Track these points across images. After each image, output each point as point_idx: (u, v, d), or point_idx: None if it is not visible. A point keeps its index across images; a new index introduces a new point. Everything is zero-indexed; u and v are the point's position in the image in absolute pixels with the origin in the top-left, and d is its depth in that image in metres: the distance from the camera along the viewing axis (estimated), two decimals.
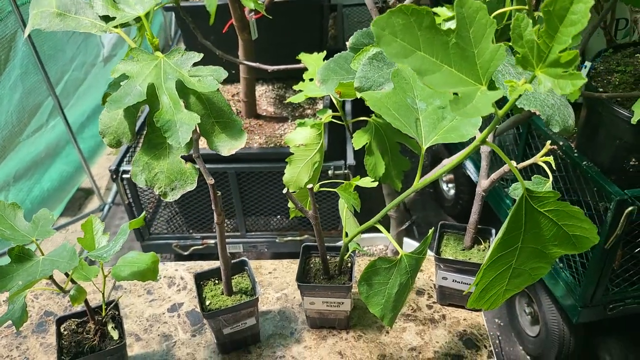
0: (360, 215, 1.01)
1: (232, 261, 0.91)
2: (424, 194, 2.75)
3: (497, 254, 0.53)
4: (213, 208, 0.76)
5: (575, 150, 1.41)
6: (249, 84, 1.82)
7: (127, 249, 2.52)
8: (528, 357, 1.91)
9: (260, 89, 2.08)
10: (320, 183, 0.94)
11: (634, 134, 1.19)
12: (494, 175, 0.87)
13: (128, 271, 0.79)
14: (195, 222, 1.92)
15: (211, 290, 0.90)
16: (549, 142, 0.82)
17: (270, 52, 1.82)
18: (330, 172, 1.71)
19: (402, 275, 0.71)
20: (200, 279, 0.91)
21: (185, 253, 1.92)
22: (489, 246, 0.95)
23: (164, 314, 1.00)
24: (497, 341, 2.00)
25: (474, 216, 0.93)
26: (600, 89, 1.24)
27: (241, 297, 0.88)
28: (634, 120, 0.90)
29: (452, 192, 2.49)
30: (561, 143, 1.44)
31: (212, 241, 1.90)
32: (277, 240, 1.89)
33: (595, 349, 1.92)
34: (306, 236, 1.87)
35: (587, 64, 1.31)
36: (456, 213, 2.50)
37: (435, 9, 1.73)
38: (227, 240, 1.93)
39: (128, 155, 1.79)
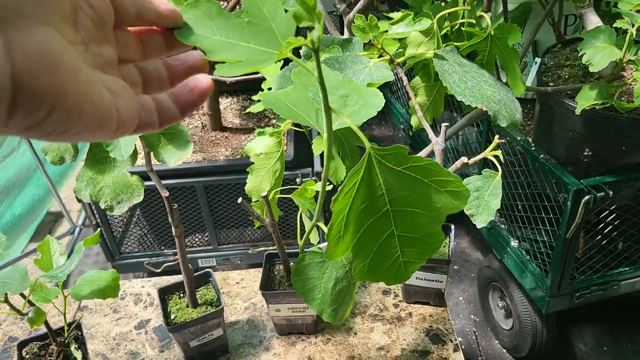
0: None
1: (196, 273, 0.91)
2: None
3: (364, 222, 0.51)
4: (170, 220, 0.76)
5: (533, 144, 1.44)
6: (212, 96, 1.82)
7: (77, 275, 2.48)
8: (504, 350, 1.94)
9: (225, 102, 2.09)
10: (276, 190, 0.95)
11: (585, 126, 1.23)
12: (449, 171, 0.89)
13: (88, 290, 0.79)
14: (165, 238, 1.91)
15: (176, 304, 0.90)
16: (497, 136, 0.84)
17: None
18: (298, 179, 1.72)
19: (339, 269, 0.71)
20: (165, 293, 0.91)
21: (158, 270, 1.90)
22: (450, 241, 0.97)
23: (131, 331, 0.99)
24: (474, 337, 2.03)
25: None
26: (551, 84, 1.28)
27: (207, 308, 0.88)
28: (577, 112, 0.93)
29: None
30: (519, 138, 1.47)
31: None
32: (249, 252, 1.89)
33: (569, 337, 1.96)
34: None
35: (537, 59, 1.34)
36: None
37: (391, 14, 1.75)
38: (200, 254, 1.93)
39: None
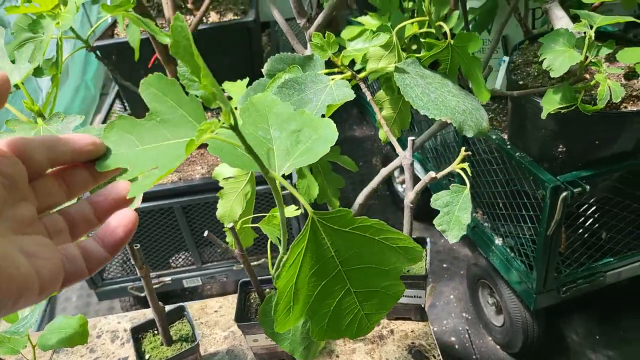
0: None
1: (171, 308, 0.89)
2: (382, 197, 2.77)
3: (316, 285, 0.51)
4: (133, 262, 0.74)
5: (508, 142, 1.44)
6: None
7: (86, 296, 2.45)
8: (498, 347, 1.93)
9: None
10: (245, 219, 0.93)
11: (556, 123, 1.22)
12: (417, 187, 0.88)
13: (55, 339, 0.76)
14: (148, 261, 1.88)
15: (150, 342, 0.87)
16: (463, 148, 0.83)
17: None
18: None
19: None
20: (138, 332, 0.89)
21: (142, 294, 1.87)
22: (427, 254, 0.95)
23: None
24: (467, 335, 2.02)
25: (406, 227, 0.94)
26: (520, 82, 1.27)
27: (182, 345, 0.86)
28: (543, 116, 0.92)
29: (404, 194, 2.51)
30: (494, 137, 1.46)
31: (169, 278, 1.86)
32: (234, 268, 1.86)
33: (560, 329, 1.96)
34: (263, 260, 1.85)
35: (506, 58, 1.33)
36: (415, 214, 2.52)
37: (360, 19, 1.73)
38: (184, 275, 1.90)
39: None
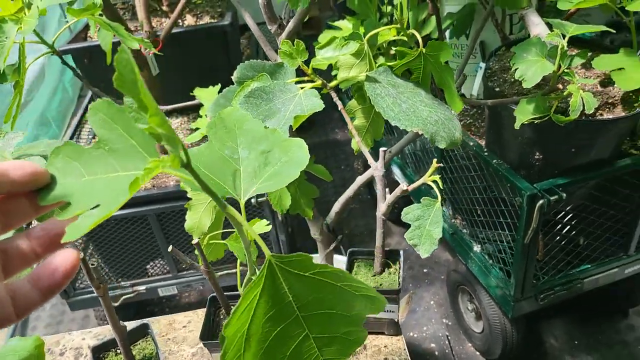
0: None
1: (134, 325, 0.86)
2: (363, 202, 2.75)
3: (271, 331, 0.49)
4: (89, 281, 0.71)
5: (486, 149, 1.42)
6: None
7: (61, 304, 2.39)
8: (478, 353, 1.92)
9: (175, 122, 2.02)
10: (213, 233, 0.90)
11: (533, 131, 1.21)
12: (389, 200, 0.86)
13: None
14: (122, 269, 1.84)
15: None
16: (435, 160, 0.81)
17: (181, 84, 1.77)
18: (253, 200, 1.67)
19: None
20: (100, 351, 0.85)
21: (116, 304, 1.82)
22: (400, 268, 0.93)
23: None
24: (447, 341, 2.01)
25: (379, 240, 0.92)
26: (497, 89, 1.25)
27: None
28: (516, 126, 0.90)
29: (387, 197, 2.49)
30: (471, 143, 1.45)
31: (143, 287, 1.82)
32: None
33: (540, 334, 1.96)
34: (241, 267, 1.82)
35: (482, 64, 1.32)
36: (394, 218, 2.51)
37: (337, 23, 1.70)
38: (159, 283, 1.86)
39: None
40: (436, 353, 1.96)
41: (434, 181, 0.79)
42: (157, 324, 1.04)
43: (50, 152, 0.48)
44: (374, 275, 0.93)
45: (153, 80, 1.65)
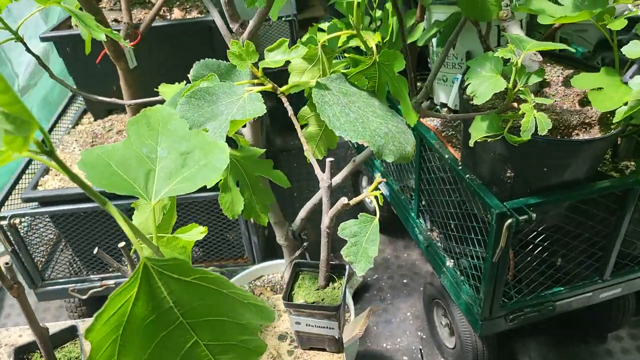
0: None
1: (63, 327, 0.83)
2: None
3: (154, 336, 0.46)
4: (2, 282, 0.68)
5: (460, 163, 1.38)
6: (135, 113, 1.73)
7: (12, 298, 2.37)
8: None
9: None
10: (165, 235, 0.86)
11: (504, 147, 1.17)
12: (331, 213, 0.82)
13: None
14: (92, 263, 1.82)
15: None
16: (379, 174, 0.77)
17: (164, 79, 1.73)
18: None
19: None
20: (22, 353, 0.82)
21: (84, 297, 1.80)
22: (343, 284, 0.89)
23: None
24: (420, 355, 1.97)
25: (323, 253, 0.88)
26: (472, 101, 1.21)
27: None
28: (470, 143, 0.86)
29: (373, 204, 2.46)
30: (447, 156, 1.41)
31: (112, 282, 1.80)
32: None
33: (514, 352, 1.91)
34: (211, 268, 1.79)
35: (459, 76, 1.28)
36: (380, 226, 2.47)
37: (323, 24, 1.67)
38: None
39: (7, 199, 1.67)
40: None
41: (376, 197, 0.75)
42: None
43: None
44: (317, 289, 0.90)
45: (130, 72, 1.62)
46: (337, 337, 0.88)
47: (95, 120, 2.00)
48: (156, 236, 0.83)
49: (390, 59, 0.81)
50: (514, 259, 1.37)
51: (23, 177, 1.74)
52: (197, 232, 0.86)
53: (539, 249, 1.37)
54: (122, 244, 0.78)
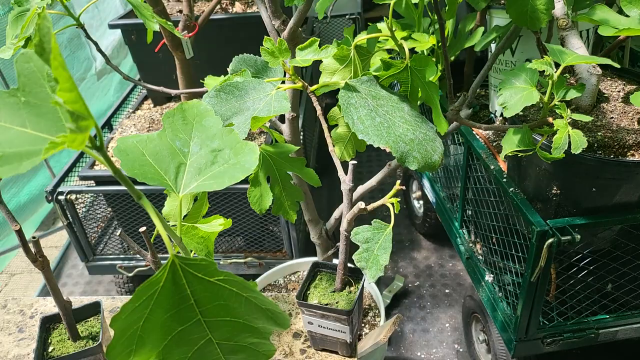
0: None
1: (88, 302, 0.87)
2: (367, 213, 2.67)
3: (171, 330, 0.46)
4: (25, 253, 0.72)
5: (505, 175, 1.33)
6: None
7: (71, 268, 2.51)
8: None
9: None
10: (189, 224, 0.89)
11: (551, 162, 1.10)
12: (349, 216, 0.81)
13: None
14: (140, 244, 1.89)
15: (59, 335, 0.86)
16: (398, 182, 0.75)
17: (220, 70, 1.78)
18: None
19: None
20: (49, 322, 0.87)
21: (130, 274, 1.89)
22: (359, 289, 0.88)
23: (29, 354, 0.96)
24: None
25: (341, 256, 0.87)
26: (520, 112, 1.16)
27: (86, 343, 0.83)
28: (501, 157, 0.82)
29: (422, 209, 2.41)
30: (492, 167, 1.36)
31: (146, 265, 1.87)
32: (221, 262, 1.84)
33: None
34: (250, 258, 1.82)
35: None
36: (425, 231, 2.42)
37: (379, 25, 1.65)
38: None
39: (68, 176, 1.77)
40: None
41: (392, 204, 0.73)
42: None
43: None
44: (333, 292, 0.89)
45: (186, 62, 1.67)
46: (348, 341, 0.87)
47: (154, 106, 2.08)
48: (180, 227, 0.85)
49: (422, 64, 0.79)
50: (555, 280, 1.30)
51: (83, 156, 1.84)
52: (217, 224, 0.87)
53: (584, 272, 1.30)
54: (143, 229, 0.80)
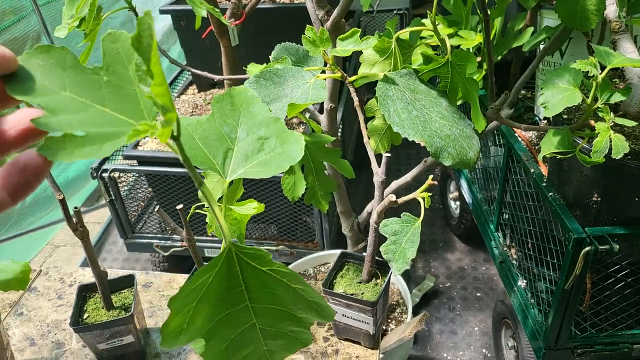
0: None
1: (124, 274, 0.91)
2: (434, 210, 2.65)
3: (220, 312, 0.48)
4: (67, 222, 0.75)
5: (545, 180, 1.30)
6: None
7: (111, 244, 2.59)
8: None
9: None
10: (197, 205, 0.91)
11: (593, 168, 1.08)
12: (379, 208, 0.81)
13: None
14: (177, 224, 1.94)
15: (94, 303, 0.89)
16: (431, 177, 0.75)
17: (265, 58, 1.80)
18: None
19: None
20: (86, 290, 0.91)
21: (166, 254, 1.94)
22: (386, 281, 0.88)
23: (65, 320, 1.00)
24: None
25: (370, 248, 0.88)
26: (565, 115, 1.13)
27: (119, 313, 0.87)
28: (539, 158, 0.80)
29: (458, 210, 2.38)
30: (532, 170, 1.33)
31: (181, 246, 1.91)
32: (264, 248, 1.87)
33: None
34: (282, 247, 1.84)
35: None
36: (460, 233, 2.39)
37: (425, 20, 1.64)
38: (207, 244, 1.93)
39: (113, 155, 1.83)
40: None
41: (423, 198, 0.73)
42: (159, 279, 1.09)
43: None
44: (360, 282, 0.90)
45: (232, 50, 1.70)
46: (371, 332, 0.87)
47: (198, 92, 2.12)
48: (225, 210, 0.87)
49: (464, 59, 0.78)
50: (590, 290, 1.26)
51: None
52: (250, 207, 0.89)
53: (622, 284, 1.26)
54: (180, 206, 0.83)
